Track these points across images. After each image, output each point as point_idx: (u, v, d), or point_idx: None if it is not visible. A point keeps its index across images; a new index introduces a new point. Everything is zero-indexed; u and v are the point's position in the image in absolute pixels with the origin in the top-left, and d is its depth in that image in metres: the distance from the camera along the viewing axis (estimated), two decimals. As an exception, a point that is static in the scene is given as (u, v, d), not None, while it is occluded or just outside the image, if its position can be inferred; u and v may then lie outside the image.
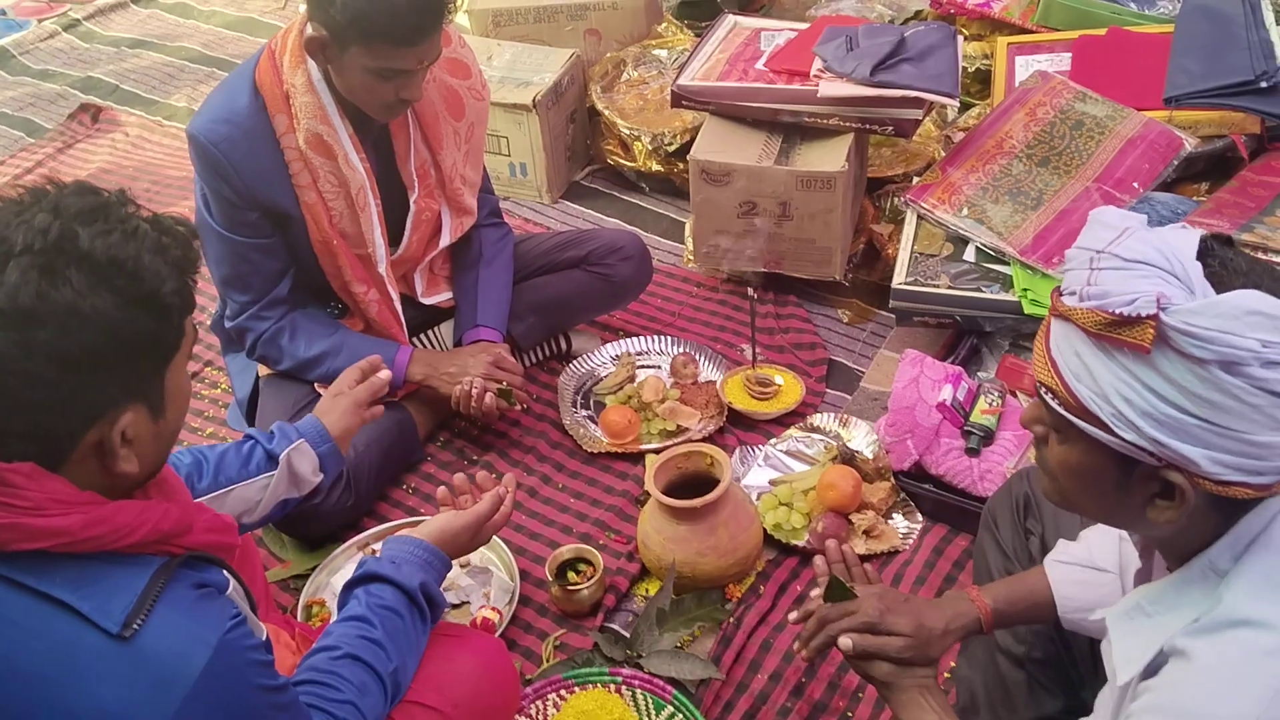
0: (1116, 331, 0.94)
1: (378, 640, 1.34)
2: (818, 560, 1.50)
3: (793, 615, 1.45)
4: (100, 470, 1.09)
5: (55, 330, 1.00)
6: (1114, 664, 1.05)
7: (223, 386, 2.54)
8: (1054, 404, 1.02)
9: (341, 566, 2.02)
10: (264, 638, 1.19)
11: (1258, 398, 0.90)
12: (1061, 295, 1.01)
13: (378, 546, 1.94)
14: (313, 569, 2.03)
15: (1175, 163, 2.38)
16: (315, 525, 2.07)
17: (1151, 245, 0.95)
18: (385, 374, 1.83)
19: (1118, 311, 0.93)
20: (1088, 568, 1.35)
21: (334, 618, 1.44)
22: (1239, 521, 0.99)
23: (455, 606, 1.96)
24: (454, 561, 1.99)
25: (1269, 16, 2.43)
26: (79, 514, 1.04)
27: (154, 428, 1.11)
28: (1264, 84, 2.29)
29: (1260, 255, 2.02)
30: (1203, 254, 0.96)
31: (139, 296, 1.03)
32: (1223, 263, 0.96)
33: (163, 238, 1.07)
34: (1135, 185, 2.33)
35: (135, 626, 1.02)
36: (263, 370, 2.22)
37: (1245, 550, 0.99)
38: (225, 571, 1.17)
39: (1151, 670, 1.01)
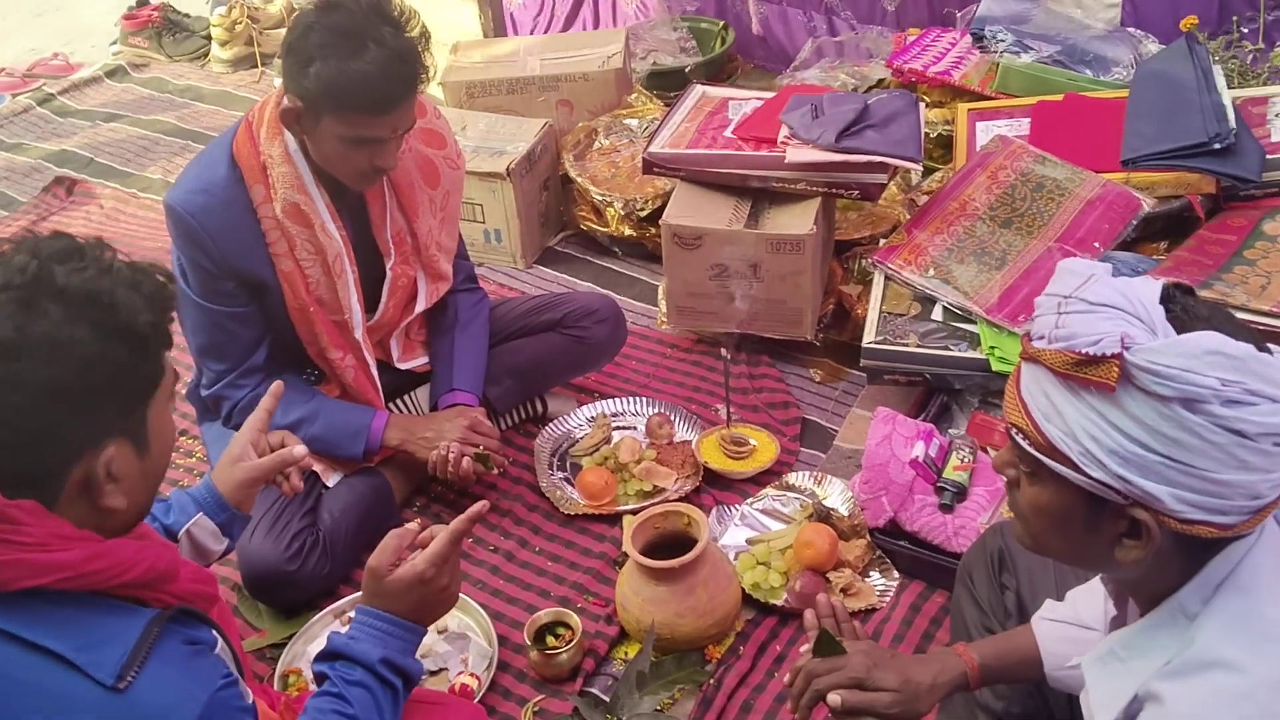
0: (1083, 371, 0.97)
1: (353, 715, 1.34)
2: (807, 614, 1.50)
3: (786, 678, 1.45)
4: (90, 509, 1.10)
5: (37, 361, 1.03)
6: (1091, 710, 1.06)
7: (198, 455, 2.53)
8: (1025, 444, 1.05)
9: (318, 635, 2.00)
10: (251, 702, 1.18)
11: (1219, 435, 0.93)
12: (1031, 339, 1.04)
13: (354, 614, 1.91)
14: (289, 638, 2.01)
15: (1134, 222, 2.43)
16: (291, 593, 2.06)
17: (1116, 290, 0.99)
18: (300, 450, 1.61)
19: (1084, 351, 0.97)
20: (1074, 625, 1.37)
21: (310, 688, 1.42)
22: (1207, 565, 1.01)
23: (433, 673, 1.95)
24: (431, 628, 2.01)
25: (1220, 81, 2.51)
26: (80, 549, 1.05)
27: (140, 465, 1.14)
28: (1217, 145, 2.36)
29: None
30: (1165, 300, 1.00)
31: (115, 328, 1.07)
32: (1184, 308, 1.00)
33: (136, 275, 1.11)
34: (1096, 245, 2.39)
35: (130, 678, 1.03)
36: (238, 438, 2.22)
37: (1214, 593, 1.01)
38: (214, 630, 1.17)
39: (1129, 717, 1.02)
